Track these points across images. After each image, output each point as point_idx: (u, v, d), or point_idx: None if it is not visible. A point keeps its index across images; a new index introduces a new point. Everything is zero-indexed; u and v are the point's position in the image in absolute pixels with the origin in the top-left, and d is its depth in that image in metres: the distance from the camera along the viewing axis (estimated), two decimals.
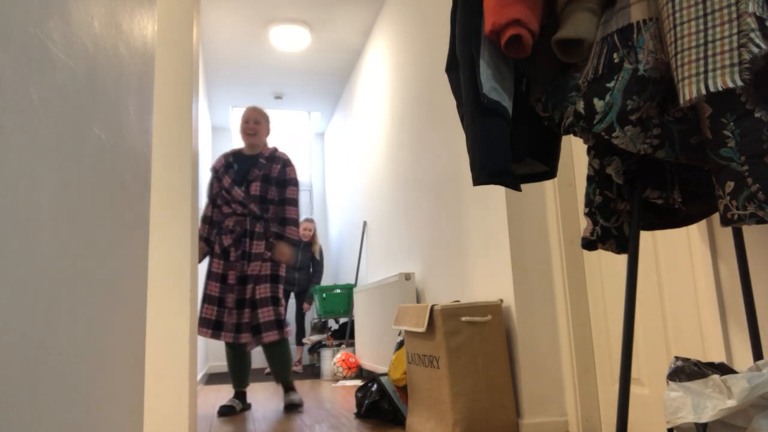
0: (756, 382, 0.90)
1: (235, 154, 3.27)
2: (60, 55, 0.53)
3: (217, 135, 7.08)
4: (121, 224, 0.81)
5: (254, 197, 3.14)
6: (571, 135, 1.67)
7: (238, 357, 3.12)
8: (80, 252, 0.61)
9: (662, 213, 1.34)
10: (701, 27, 0.95)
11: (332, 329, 5.49)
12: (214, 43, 5.02)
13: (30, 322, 0.46)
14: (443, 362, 2.11)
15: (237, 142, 7.09)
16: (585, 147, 2.16)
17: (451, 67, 1.42)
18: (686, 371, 1.01)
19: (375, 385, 2.66)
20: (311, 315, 6.61)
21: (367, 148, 4.94)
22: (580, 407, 2.12)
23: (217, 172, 3.24)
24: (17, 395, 0.44)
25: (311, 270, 5.70)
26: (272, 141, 7.33)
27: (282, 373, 3.13)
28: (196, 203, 2.24)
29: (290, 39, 4.86)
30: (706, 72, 0.93)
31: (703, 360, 1.51)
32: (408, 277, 3.43)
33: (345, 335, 5.20)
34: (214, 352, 6.19)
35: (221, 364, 6.19)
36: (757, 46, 0.90)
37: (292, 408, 3.06)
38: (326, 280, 7.05)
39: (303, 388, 4.15)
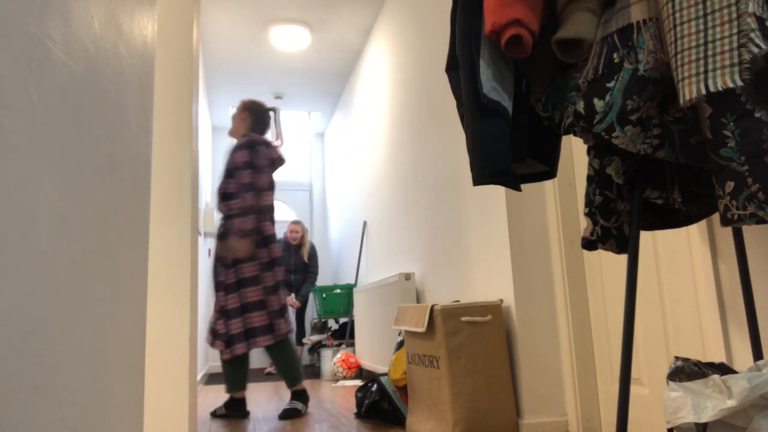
0: (756, 382, 0.90)
1: None
2: (60, 55, 0.53)
3: (217, 135, 7.07)
4: (121, 224, 0.81)
5: (219, 195, 2.95)
6: (571, 135, 1.67)
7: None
8: (80, 251, 0.61)
9: (662, 213, 1.34)
10: (701, 27, 0.95)
11: (332, 329, 5.49)
12: (214, 43, 5.02)
13: (30, 322, 0.46)
14: (443, 362, 2.11)
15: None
16: (585, 147, 2.16)
17: (451, 67, 1.42)
18: (686, 371, 1.01)
19: (375, 385, 2.66)
20: (311, 315, 6.62)
21: (367, 148, 4.94)
22: (580, 407, 2.12)
23: None
24: (17, 395, 0.44)
25: (304, 275, 5.69)
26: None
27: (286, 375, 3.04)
28: (196, 203, 2.24)
29: (290, 39, 4.86)
30: (706, 72, 0.93)
31: (703, 360, 1.51)
32: (408, 277, 3.43)
33: (345, 335, 5.20)
34: (214, 352, 6.19)
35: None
36: (757, 46, 0.90)
37: (287, 414, 2.90)
38: (326, 280, 7.05)
39: None
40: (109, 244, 0.74)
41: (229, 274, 2.88)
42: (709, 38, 0.93)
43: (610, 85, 1.10)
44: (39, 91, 0.48)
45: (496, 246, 2.41)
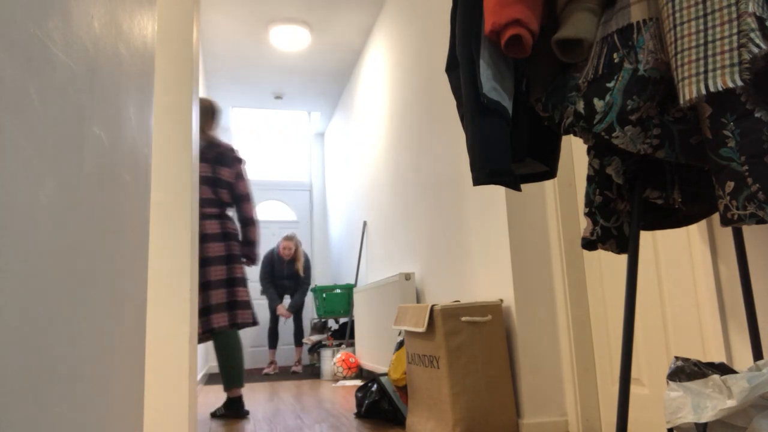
0: (756, 382, 0.90)
1: None
2: (60, 55, 0.53)
3: (217, 135, 7.07)
4: (121, 224, 0.81)
5: None
6: (571, 135, 1.67)
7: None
8: (80, 252, 0.61)
9: (662, 213, 1.34)
10: (701, 27, 0.95)
11: (332, 329, 5.50)
12: (214, 43, 5.02)
13: (30, 322, 0.46)
14: (443, 362, 2.11)
15: (237, 142, 7.10)
16: (585, 147, 2.16)
17: (451, 67, 1.42)
18: (686, 371, 1.01)
19: (375, 385, 2.66)
20: (311, 315, 6.62)
21: (367, 148, 4.94)
22: (580, 407, 2.12)
23: None
24: (17, 395, 0.44)
25: (297, 282, 5.70)
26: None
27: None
28: (196, 203, 2.24)
29: (290, 39, 4.86)
30: (706, 72, 0.93)
31: (703, 360, 1.51)
32: (408, 277, 3.43)
33: (345, 335, 5.20)
34: (214, 352, 6.19)
35: None
36: (757, 46, 0.90)
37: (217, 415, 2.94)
38: (326, 281, 7.05)
39: (303, 388, 4.15)
40: (109, 244, 0.74)
41: None
42: (709, 38, 0.93)
43: (610, 85, 1.10)
44: (39, 91, 0.48)
45: (496, 246, 2.41)
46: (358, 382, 4.22)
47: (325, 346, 4.98)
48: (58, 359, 0.54)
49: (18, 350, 0.44)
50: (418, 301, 3.46)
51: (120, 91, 0.79)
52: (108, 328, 0.73)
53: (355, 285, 5.22)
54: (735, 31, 0.91)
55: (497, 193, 2.40)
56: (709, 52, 0.93)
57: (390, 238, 4.18)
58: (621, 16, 1.11)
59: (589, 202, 1.27)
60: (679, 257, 1.68)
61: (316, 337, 5.28)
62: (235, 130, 7.09)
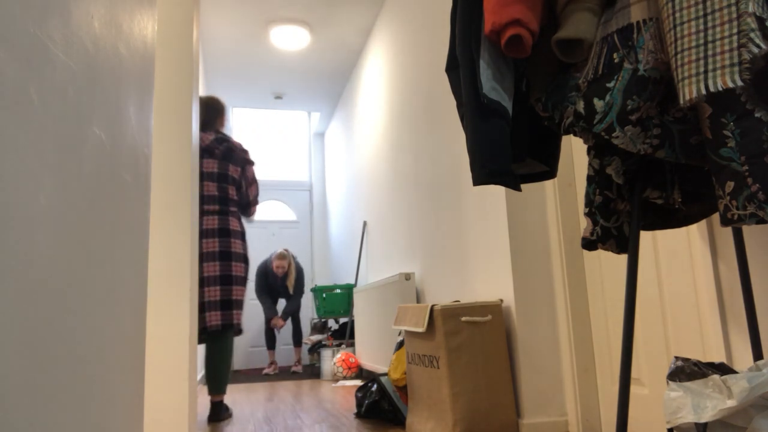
0: (756, 382, 0.90)
1: None
2: (60, 55, 0.53)
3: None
4: (121, 224, 0.81)
5: None
6: (571, 135, 1.67)
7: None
8: (80, 252, 0.61)
9: (662, 213, 1.34)
10: (701, 27, 0.95)
11: (332, 329, 5.50)
12: (214, 43, 5.02)
13: (29, 322, 0.46)
14: (443, 362, 2.11)
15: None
16: (585, 147, 2.16)
17: (451, 67, 1.42)
18: (686, 371, 1.01)
19: (375, 385, 2.66)
20: (311, 315, 6.62)
21: (367, 148, 4.94)
22: (580, 407, 2.12)
23: None
24: (17, 396, 0.44)
25: (288, 297, 5.67)
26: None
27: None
28: (196, 203, 2.24)
29: (290, 39, 4.86)
30: (706, 72, 0.93)
31: (703, 360, 1.51)
32: (408, 277, 3.43)
33: (345, 335, 5.20)
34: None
35: None
36: (757, 46, 0.90)
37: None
38: (326, 281, 7.05)
39: (303, 387, 4.15)
40: (110, 244, 0.74)
41: None
42: (709, 38, 0.93)
43: (610, 85, 1.10)
44: (39, 91, 0.48)
45: (496, 246, 2.41)
46: (358, 382, 4.22)
47: (325, 346, 4.98)
48: (58, 359, 0.54)
49: (18, 350, 0.44)
50: (418, 301, 3.46)
51: (120, 91, 0.79)
52: (108, 328, 0.73)
53: (355, 285, 5.22)
54: (735, 31, 0.91)
55: (497, 193, 2.40)
56: (709, 52, 0.93)
57: (390, 238, 4.18)
58: (621, 16, 1.11)
59: (589, 202, 1.27)
60: (679, 257, 1.68)
61: (316, 337, 5.28)
62: (236, 130, 7.08)
